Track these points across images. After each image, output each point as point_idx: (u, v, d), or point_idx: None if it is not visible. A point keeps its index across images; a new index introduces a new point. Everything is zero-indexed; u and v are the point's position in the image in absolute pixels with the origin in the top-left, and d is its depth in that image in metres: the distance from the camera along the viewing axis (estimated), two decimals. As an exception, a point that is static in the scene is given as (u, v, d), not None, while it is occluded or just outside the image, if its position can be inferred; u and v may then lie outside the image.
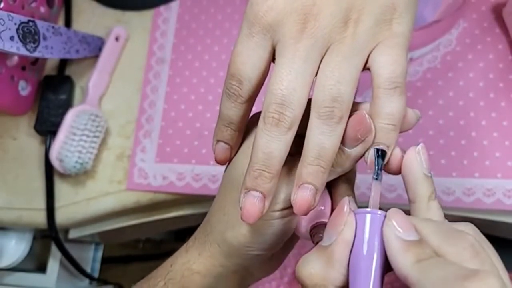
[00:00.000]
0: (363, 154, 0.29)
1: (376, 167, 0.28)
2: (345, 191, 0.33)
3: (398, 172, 0.29)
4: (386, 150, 0.28)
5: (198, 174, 0.55)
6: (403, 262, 0.24)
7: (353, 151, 0.29)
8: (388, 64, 0.27)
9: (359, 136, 0.28)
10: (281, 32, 0.27)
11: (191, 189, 0.55)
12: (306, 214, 0.28)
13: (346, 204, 0.27)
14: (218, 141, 0.32)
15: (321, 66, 0.27)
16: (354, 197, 0.32)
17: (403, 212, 0.26)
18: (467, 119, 0.51)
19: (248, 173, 0.28)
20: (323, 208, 0.32)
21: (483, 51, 0.53)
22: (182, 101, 0.59)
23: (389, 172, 0.30)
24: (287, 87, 0.26)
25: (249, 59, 0.28)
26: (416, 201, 0.28)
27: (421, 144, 0.29)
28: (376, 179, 0.28)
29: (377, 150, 0.28)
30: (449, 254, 0.24)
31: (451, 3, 0.49)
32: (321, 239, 0.28)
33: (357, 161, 0.30)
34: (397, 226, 0.25)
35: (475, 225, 0.26)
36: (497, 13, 0.54)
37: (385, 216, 0.26)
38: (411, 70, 0.55)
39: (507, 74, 0.52)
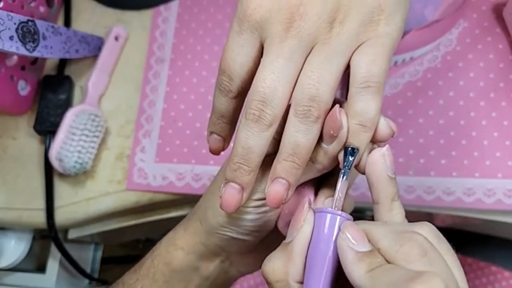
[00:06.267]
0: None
1: (344, 164, 0.29)
2: (329, 188, 0.33)
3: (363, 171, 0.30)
4: (357, 149, 0.28)
5: (198, 174, 0.55)
6: (356, 272, 0.25)
7: (329, 148, 0.29)
8: (364, 64, 0.27)
9: (332, 132, 0.28)
10: (268, 30, 0.28)
11: (191, 189, 0.55)
12: (277, 207, 0.29)
13: (306, 202, 0.28)
14: (211, 132, 0.33)
15: (304, 65, 0.28)
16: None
17: (356, 224, 0.27)
18: (468, 119, 0.51)
19: (229, 165, 0.29)
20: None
21: (484, 51, 0.53)
22: (182, 101, 0.59)
23: (359, 171, 0.30)
24: (269, 85, 0.27)
25: (238, 56, 0.29)
26: (379, 202, 0.29)
27: (387, 146, 0.29)
28: (343, 177, 0.29)
29: (346, 148, 0.28)
30: (398, 255, 0.24)
31: (452, 2, 0.49)
32: None
33: (335, 158, 0.30)
34: (351, 238, 0.26)
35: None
36: (498, 13, 0.54)
37: (346, 219, 0.27)
38: (411, 70, 0.54)
39: (507, 74, 0.52)
